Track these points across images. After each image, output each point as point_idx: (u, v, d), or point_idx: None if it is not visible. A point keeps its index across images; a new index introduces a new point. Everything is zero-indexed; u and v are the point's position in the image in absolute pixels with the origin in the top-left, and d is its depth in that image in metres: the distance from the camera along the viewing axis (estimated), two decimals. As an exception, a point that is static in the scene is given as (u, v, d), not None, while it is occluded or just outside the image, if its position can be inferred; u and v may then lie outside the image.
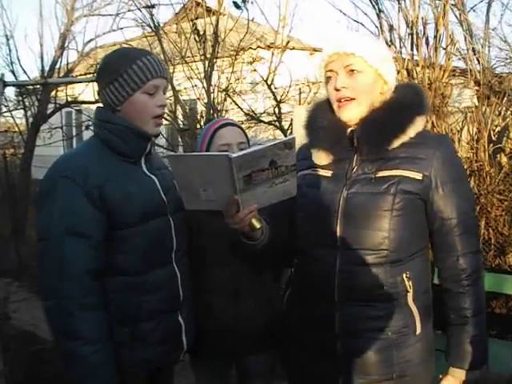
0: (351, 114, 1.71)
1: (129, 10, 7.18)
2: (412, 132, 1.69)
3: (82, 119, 8.49)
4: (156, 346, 1.82)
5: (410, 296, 1.65)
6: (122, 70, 1.77)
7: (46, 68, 7.74)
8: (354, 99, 1.69)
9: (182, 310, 1.92)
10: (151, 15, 5.52)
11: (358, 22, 4.64)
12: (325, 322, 1.70)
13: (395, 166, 1.66)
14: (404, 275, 1.65)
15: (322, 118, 1.79)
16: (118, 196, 1.74)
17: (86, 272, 1.67)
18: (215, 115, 5.38)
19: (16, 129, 8.38)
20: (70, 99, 7.98)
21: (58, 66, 8.01)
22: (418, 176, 1.64)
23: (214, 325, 2.06)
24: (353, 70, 1.68)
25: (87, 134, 7.32)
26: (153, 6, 5.52)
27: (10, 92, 8.59)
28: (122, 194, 1.74)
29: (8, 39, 7.53)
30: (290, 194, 1.62)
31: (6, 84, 3.54)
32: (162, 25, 5.75)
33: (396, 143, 1.68)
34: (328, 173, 1.75)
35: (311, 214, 1.75)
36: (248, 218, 1.62)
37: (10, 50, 7.66)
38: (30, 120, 7.83)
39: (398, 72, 3.77)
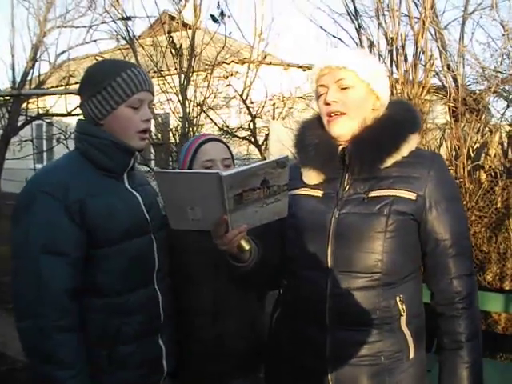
0: (341, 129, 1.66)
1: (103, 22, 7.07)
2: (405, 150, 1.65)
3: (53, 132, 8.33)
4: (135, 369, 1.74)
5: (403, 320, 1.60)
6: (105, 83, 1.70)
7: (18, 79, 7.56)
8: (344, 114, 1.65)
9: (163, 331, 1.84)
10: (126, 27, 5.44)
11: (337, 38, 4.63)
12: (316, 345, 1.63)
13: (388, 186, 1.61)
14: (397, 298, 1.59)
15: (312, 135, 1.74)
16: (101, 212, 1.66)
17: (63, 291, 1.59)
18: (190, 129, 5.31)
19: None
20: (41, 111, 7.81)
21: (29, 78, 7.84)
22: (412, 196, 1.59)
23: (197, 346, 1.97)
24: (344, 86, 1.65)
25: (58, 148, 7.18)
26: (128, 18, 5.44)
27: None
28: (106, 210, 1.67)
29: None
30: (281, 215, 1.56)
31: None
32: (137, 37, 5.67)
33: (389, 162, 1.63)
34: (319, 193, 1.70)
35: (301, 234, 1.68)
36: (237, 239, 1.54)
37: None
38: (0, 132, 7.63)
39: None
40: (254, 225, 1.53)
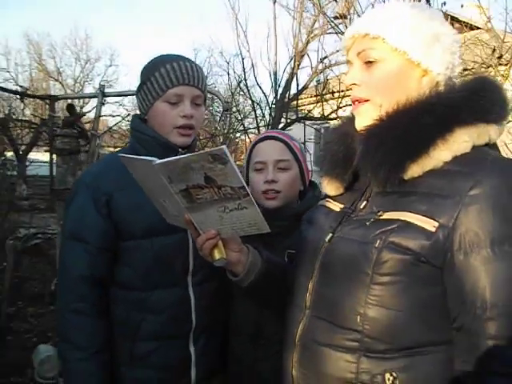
0: (362, 121, 1.25)
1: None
2: (445, 153, 1.14)
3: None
4: (155, 369, 1.70)
5: None
6: (146, 77, 1.72)
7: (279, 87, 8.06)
8: (367, 100, 1.24)
9: (197, 338, 1.75)
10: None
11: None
12: None
13: (405, 207, 1.15)
14: (387, 375, 1.12)
15: (336, 132, 1.42)
16: (127, 206, 1.67)
17: (79, 277, 1.65)
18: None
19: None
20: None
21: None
22: (429, 225, 1.09)
23: (235, 368, 1.82)
24: (368, 60, 1.22)
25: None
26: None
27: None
28: (131, 203, 1.67)
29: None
30: (259, 229, 1.33)
31: (105, 95, 3.77)
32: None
33: (416, 170, 1.15)
34: (337, 206, 1.37)
35: (297, 256, 1.42)
36: (206, 245, 1.35)
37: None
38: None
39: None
40: (226, 234, 1.36)
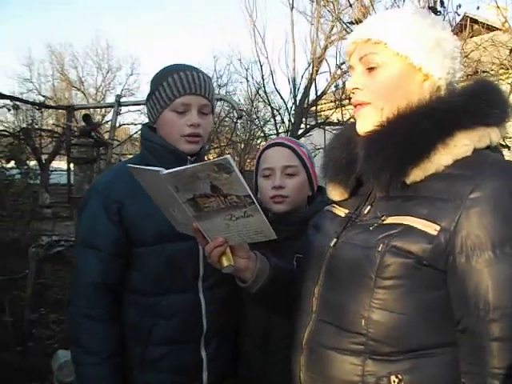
0: (363, 125, 1.26)
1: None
2: (446, 157, 1.15)
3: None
4: (167, 373, 1.72)
5: None
6: (155, 87, 1.75)
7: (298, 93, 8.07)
8: (369, 103, 1.25)
9: (208, 342, 1.77)
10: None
11: None
12: None
13: (407, 211, 1.16)
14: (392, 378, 1.13)
15: (339, 138, 1.42)
16: (137, 213, 1.70)
17: (91, 284, 1.68)
18: None
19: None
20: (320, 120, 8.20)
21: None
22: (431, 229, 1.10)
23: (245, 373, 1.83)
24: (370, 66, 1.24)
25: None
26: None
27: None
28: (142, 210, 1.69)
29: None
30: (265, 236, 1.34)
31: (121, 104, 3.81)
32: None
33: (418, 174, 1.16)
34: (342, 212, 1.37)
35: (303, 262, 1.42)
36: (215, 252, 1.37)
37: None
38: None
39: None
40: (234, 241, 1.38)
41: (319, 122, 8.38)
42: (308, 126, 8.46)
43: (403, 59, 1.21)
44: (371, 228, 1.20)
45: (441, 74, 1.22)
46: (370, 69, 1.24)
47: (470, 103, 1.16)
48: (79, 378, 1.70)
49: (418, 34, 1.21)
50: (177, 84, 1.70)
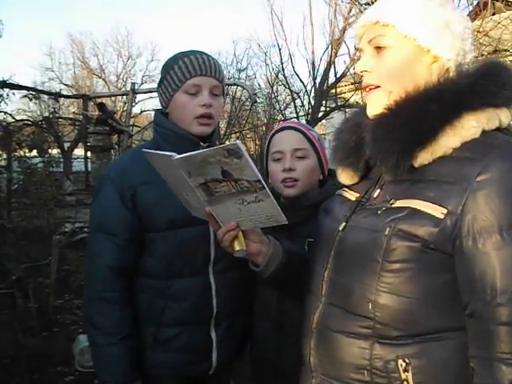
0: (373, 108, 1.24)
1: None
2: (454, 140, 1.12)
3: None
4: (178, 353, 1.77)
5: None
6: (166, 72, 1.77)
7: (317, 75, 8.02)
8: (378, 86, 1.24)
9: (218, 324, 1.81)
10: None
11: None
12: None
13: (414, 194, 1.15)
14: (400, 361, 1.13)
15: (350, 122, 1.41)
16: (150, 199, 1.72)
17: (108, 268, 1.71)
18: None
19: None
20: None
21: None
22: (438, 212, 1.09)
23: (257, 352, 1.86)
24: (378, 45, 1.22)
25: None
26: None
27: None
28: (154, 197, 1.72)
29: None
30: (277, 221, 1.35)
31: (135, 92, 3.82)
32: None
33: (425, 157, 1.14)
34: (352, 196, 1.37)
35: (313, 246, 1.43)
36: (227, 236, 1.38)
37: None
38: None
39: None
40: (245, 226, 1.39)
41: (339, 104, 8.32)
42: (328, 109, 8.41)
43: (411, 41, 1.19)
44: (379, 212, 1.19)
45: (450, 55, 1.20)
46: (378, 49, 1.23)
47: (477, 84, 1.14)
48: (96, 358, 1.75)
49: (427, 15, 1.19)
50: (188, 67, 1.72)
